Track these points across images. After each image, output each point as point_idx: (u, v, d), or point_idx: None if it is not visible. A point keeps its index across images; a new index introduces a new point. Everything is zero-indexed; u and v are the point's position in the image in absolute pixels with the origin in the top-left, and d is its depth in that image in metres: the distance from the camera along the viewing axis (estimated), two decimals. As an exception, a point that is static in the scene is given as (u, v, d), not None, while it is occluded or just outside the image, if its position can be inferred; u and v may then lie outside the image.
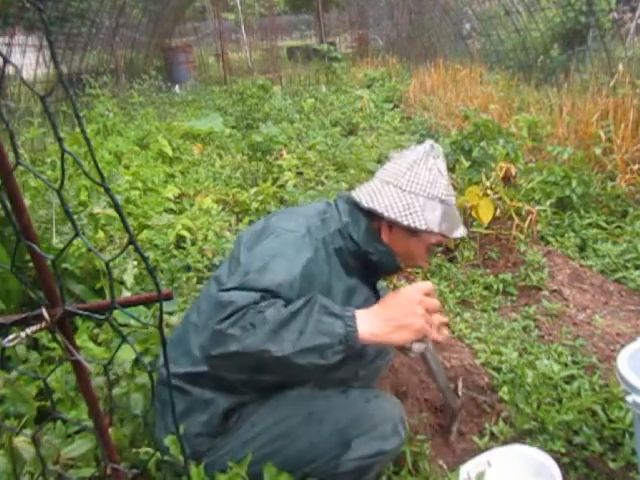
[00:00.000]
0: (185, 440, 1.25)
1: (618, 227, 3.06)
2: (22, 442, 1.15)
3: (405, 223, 1.29)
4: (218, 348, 1.06)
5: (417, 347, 1.23)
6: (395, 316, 1.11)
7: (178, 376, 1.30)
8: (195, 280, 2.52)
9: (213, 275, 1.44)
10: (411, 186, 1.31)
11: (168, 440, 1.16)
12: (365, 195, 1.34)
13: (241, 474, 1.15)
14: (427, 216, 1.29)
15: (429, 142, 1.38)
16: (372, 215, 1.33)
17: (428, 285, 1.19)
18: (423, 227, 1.29)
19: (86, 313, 0.63)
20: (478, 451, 1.61)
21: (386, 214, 1.29)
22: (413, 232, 1.32)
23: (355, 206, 1.36)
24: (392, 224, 1.32)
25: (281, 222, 1.31)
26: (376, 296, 1.49)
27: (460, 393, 1.79)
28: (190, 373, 1.28)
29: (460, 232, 1.38)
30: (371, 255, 1.34)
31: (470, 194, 2.82)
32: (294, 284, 1.15)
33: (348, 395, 1.36)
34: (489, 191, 2.87)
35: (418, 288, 1.17)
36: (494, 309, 2.47)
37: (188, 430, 1.25)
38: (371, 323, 1.08)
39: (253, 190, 3.70)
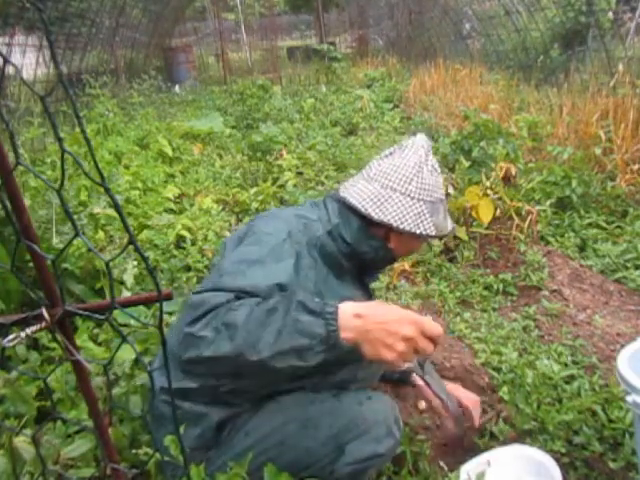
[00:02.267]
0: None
1: (618, 227, 3.06)
2: (22, 442, 1.15)
3: (418, 232, 1.29)
4: (190, 352, 1.01)
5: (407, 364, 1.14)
6: (380, 336, 0.97)
7: (168, 391, 1.26)
8: (195, 280, 2.52)
9: (202, 285, 1.39)
10: (419, 193, 1.30)
11: (167, 440, 1.16)
12: (370, 204, 1.30)
13: (241, 474, 1.15)
14: (435, 221, 1.30)
15: (421, 137, 1.37)
16: (374, 221, 1.30)
17: (437, 329, 0.98)
18: (434, 233, 1.31)
19: (86, 313, 0.63)
20: (478, 451, 1.61)
21: (401, 226, 1.28)
22: (418, 237, 1.32)
23: (344, 205, 1.33)
24: (403, 232, 1.31)
25: (261, 225, 1.28)
26: (368, 296, 1.46)
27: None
28: (179, 389, 1.23)
29: (450, 222, 1.40)
30: (366, 254, 1.33)
31: (470, 194, 2.82)
32: (272, 291, 1.09)
33: (341, 399, 1.32)
34: (489, 191, 2.87)
35: (421, 324, 0.98)
36: (494, 309, 2.47)
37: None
38: (354, 329, 0.97)
39: (253, 190, 3.70)
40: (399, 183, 1.30)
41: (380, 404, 1.34)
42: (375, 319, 0.98)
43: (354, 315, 0.98)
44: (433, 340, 0.98)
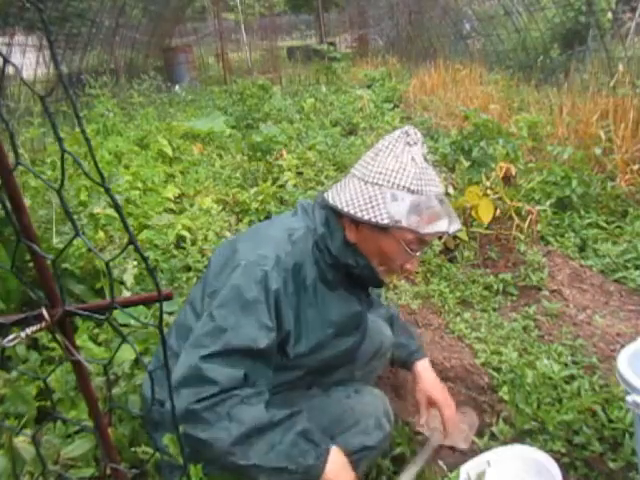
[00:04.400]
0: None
1: (618, 227, 3.06)
2: (22, 442, 1.15)
3: (366, 218, 1.14)
4: (187, 427, 1.04)
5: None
6: None
7: (162, 404, 1.26)
8: (195, 280, 2.52)
9: (188, 299, 1.37)
10: (374, 177, 1.15)
11: (166, 439, 1.16)
12: (332, 192, 1.23)
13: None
14: (391, 209, 1.13)
15: (405, 128, 1.22)
16: (341, 215, 1.21)
17: None
18: (385, 221, 1.13)
19: (86, 313, 0.63)
20: (478, 451, 1.61)
21: (345, 209, 1.16)
22: (381, 228, 1.16)
23: (330, 212, 1.24)
24: (357, 222, 1.19)
25: (248, 252, 1.20)
26: (367, 308, 1.41)
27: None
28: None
29: (441, 226, 1.15)
30: (351, 268, 1.24)
31: (470, 194, 2.82)
32: (269, 330, 1.12)
33: (329, 393, 1.34)
34: (489, 191, 2.87)
35: None
36: (494, 309, 2.47)
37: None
38: (338, 474, 1.09)
39: (253, 190, 3.70)
40: (358, 169, 1.21)
41: (369, 397, 1.36)
42: None
43: (338, 471, 1.09)
44: None
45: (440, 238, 2.93)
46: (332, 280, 1.26)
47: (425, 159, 1.20)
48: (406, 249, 1.18)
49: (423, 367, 1.56)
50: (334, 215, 1.24)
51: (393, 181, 1.14)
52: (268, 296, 1.13)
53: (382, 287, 1.39)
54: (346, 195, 1.18)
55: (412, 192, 1.14)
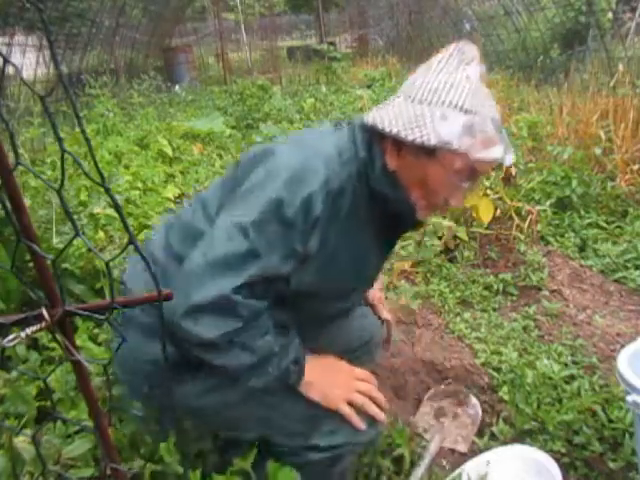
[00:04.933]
0: (135, 367, 1.18)
1: (618, 227, 3.06)
2: (22, 442, 1.15)
3: (410, 138, 0.99)
4: (196, 349, 1.05)
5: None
6: (329, 393, 1.17)
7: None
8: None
9: (198, 198, 1.25)
10: (422, 94, 1.02)
11: (162, 448, 1.16)
12: (373, 112, 1.08)
13: (245, 468, 1.14)
14: (440, 128, 0.98)
15: (460, 44, 1.08)
16: (382, 138, 1.07)
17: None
18: (432, 142, 0.98)
19: (86, 313, 0.63)
20: (478, 451, 1.61)
21: (387, 129, 1.02)
22: (427, 153, 1.01)
23: (374, 136, 1.09)
24: (399, 144, 1.04)
25: (294, 160, 1.06)
26: (386, 254, 1.33)
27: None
28: None
29: (497, 153, 0.99)
30: (389, 203, 1.11)
31: (470, 194, 2.82)
32: (296, 257, 1.05)
33: None
34: (489, 191, 2.87)
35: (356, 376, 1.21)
36: (494, 309, 2.47)
37: (143, 354, 1.13)
38: (313, 388, 1.16)
39: (253, 190, 3.69)
40: (405, 87, 1.09)
41: None
42: (327, 388, 1.16)
43: (312, 387, 1.15)
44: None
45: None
46: (363, 217, 1.13)
47: (481, 79, 1.06)
48: (453, 179, 1.04)
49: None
50: (374, 138, 1.10)
51: (444, 99, 1.00)
52: (307, 220, 1.02)
53: (418, 228, 1.27)
54: (389, 113, 1.04)
55: (465, 111, 0.99)
